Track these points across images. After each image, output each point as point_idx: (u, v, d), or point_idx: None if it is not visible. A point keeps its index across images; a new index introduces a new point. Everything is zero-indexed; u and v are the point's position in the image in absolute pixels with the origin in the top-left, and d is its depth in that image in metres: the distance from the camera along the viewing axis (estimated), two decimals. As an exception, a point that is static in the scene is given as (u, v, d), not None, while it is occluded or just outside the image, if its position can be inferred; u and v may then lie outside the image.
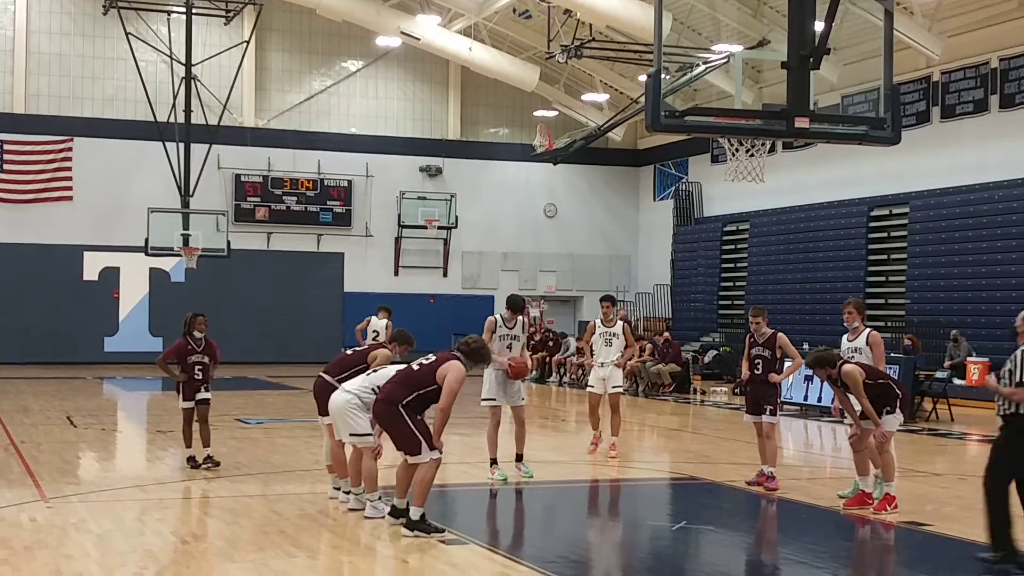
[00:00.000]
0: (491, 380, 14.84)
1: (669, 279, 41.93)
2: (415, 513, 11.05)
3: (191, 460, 15.28)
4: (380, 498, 11.98)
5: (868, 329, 13.66)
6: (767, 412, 14.17)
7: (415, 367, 11.39)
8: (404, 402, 11.07)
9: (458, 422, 22.71)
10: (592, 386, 17.61)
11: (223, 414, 20.64)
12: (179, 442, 18.63)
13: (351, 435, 11.81)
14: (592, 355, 17.79)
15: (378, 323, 25.78)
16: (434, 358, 11.36)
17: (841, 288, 32.64)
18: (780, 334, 14.31)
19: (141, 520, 12.09)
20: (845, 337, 13.70)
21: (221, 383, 15.46)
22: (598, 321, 17.65)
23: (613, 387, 17.41)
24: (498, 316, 15.13)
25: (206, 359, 15.38)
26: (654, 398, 29.06)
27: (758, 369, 14.23)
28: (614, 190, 45.25)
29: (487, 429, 14.84)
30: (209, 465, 15.15)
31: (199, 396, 15.35)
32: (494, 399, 14.83)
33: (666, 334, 32.56)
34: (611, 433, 17.34)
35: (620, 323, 17.62)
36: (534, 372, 32.90)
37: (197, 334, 15.37)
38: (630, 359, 19.11)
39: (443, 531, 11.12)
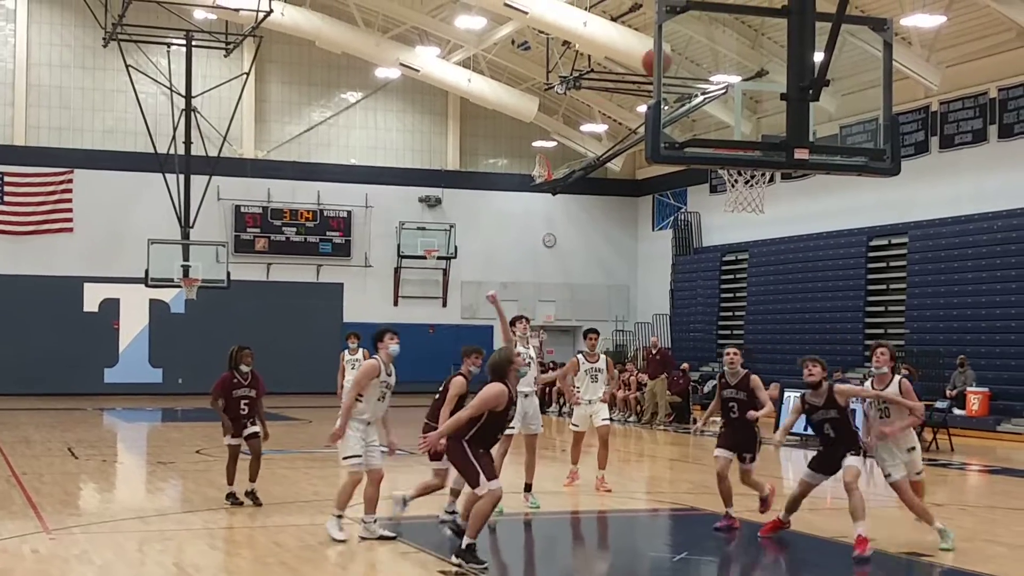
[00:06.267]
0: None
1: (668, 309, 41.94)
2: (465, 542, 11.01)
3: (231, 496, 14.84)
4: (375, 521, 12.22)
5: (899, 376, 12.73)
6: (747, 460, 13.53)
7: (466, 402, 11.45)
8: (467, 437, 11.06)
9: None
10: (576, 424, 17.04)
11: (223, 444, 20.61)
12: (180, 473, 18.71)
13: (342, 459, 12.17)
14: (577, 392, 16.99)
15: (351, 357, 24.30)
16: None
17: (840, 318, 32.72)
18: (753, 376, 13.63)
19: (142, 551, 12.09)
20: (869, 383, 12.80)
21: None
22: (581, 357, 17.03)
23: (603, 420, 16.87)
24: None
25: (252, 393, 14.89)
26: (655, 428, 29.03)
27: (734, 413, 13.52)
28: (613, 220, 45.32)
29: (495, 456, 14.74)
30: (252, 502, 14.74)
31: (247, 431, 14.88)
32: (513, 426, 14.49)
33: (659, 345, 32.49)
34: (599, 467, 16.90)
35: (603, 357, 17.14)
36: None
37: (244, 368, 14.85)
38: (615, 390, 18.68)
39: (486, 566, 10.98)
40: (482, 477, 10.99)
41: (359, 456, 12.32)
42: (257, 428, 14.98)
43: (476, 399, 11.08)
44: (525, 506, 14.74)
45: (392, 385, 12.68)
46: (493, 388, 11.07)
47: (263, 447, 15.15)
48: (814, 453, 12.75)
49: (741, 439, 13.52)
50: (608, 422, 17.09)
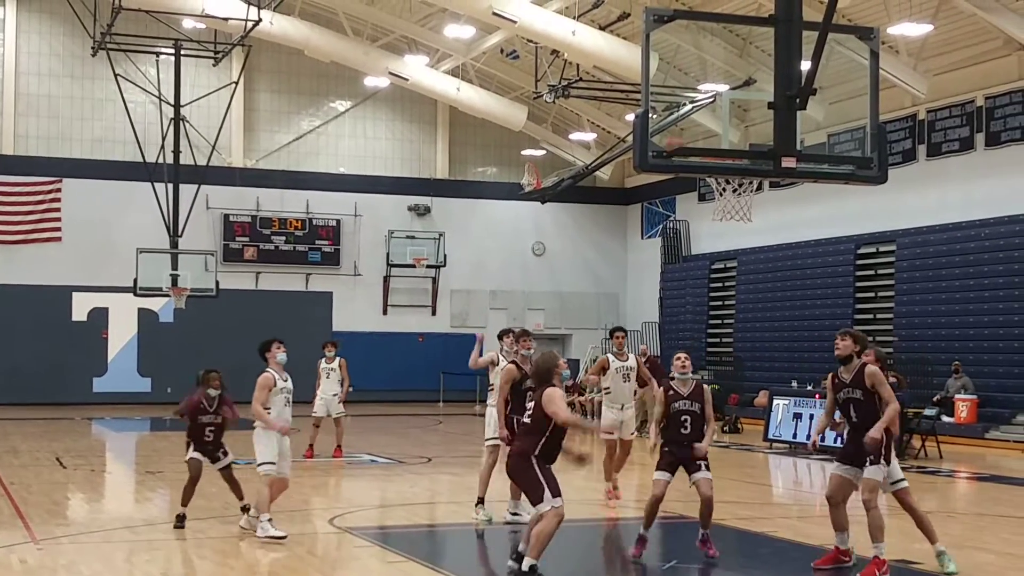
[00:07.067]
0: (494, 419, 14.31)
1: (657, 317, 41.96)
2: (526, 564, 10.59)
3: (181, 519, 13.88)
4: (270, 520, 12.90)
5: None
6: (703, 468, 12.48)
7: (527, 419, 11.13)
8: (535, 452, 10.70)
9: (448, 462, 22.74)
10: (608, 432, 16.17)
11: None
12: (168, 482, 18.61)
13: (257, 466, 12.80)
14: (603, 392, 16.39)
15: (327, 365, 22.59)
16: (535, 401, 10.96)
17: (829, 325, 32.64)
18: (706, 385, 12.83)
19: (131, 561, 12.07)
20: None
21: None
22: (611, 356, 16.30)
23: (631, 433, 16.42)
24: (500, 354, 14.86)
25: (218, 420, 14.11)
26: (644, 436, 29.00)
27: (685, 429, 12.48)
28: (602, 228, 45.35)
29: (481, 469, 14.69)
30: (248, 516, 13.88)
31: (219, 464, 14.10)
32: (497, 439, 14.16)
33: (648, 353, 32.54)
34: (607, 477, 16.68)
35: (633, 356, 16.39)
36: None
37: (211, 392, 14.13)
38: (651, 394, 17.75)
39: None
40: (547, 492, 10.54)
41: (273, 463, 13.08)
42: (230, 459, 14.21)
43: (552, 406, 10.57)
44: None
45: (291, 390, 13.37)
46: (553, 393, 10.68)
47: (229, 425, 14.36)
48: (807, 460, 12.72)
49: (690, 456, 12.53)
50: (635, 435, 16.57)
